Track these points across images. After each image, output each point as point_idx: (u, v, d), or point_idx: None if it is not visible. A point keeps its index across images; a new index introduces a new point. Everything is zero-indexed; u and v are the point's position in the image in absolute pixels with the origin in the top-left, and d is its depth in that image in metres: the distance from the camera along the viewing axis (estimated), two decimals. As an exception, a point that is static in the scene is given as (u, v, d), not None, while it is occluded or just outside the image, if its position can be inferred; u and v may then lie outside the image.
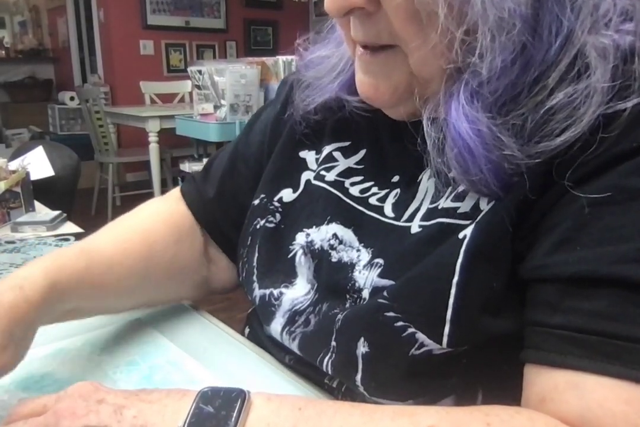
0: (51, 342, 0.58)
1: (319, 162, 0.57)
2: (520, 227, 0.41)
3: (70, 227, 1.08)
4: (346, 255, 0.50)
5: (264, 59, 2.66)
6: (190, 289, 0.67)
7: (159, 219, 0.65)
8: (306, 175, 0.57)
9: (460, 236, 0.42)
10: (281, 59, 2.66)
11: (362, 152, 0.54)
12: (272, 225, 0.57)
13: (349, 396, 0.51)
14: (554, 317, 0.38)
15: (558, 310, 0.37)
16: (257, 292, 0.56)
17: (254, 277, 0.57)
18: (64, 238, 0.98)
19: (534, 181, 0.40)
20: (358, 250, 0.50)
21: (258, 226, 0.58)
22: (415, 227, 0.47)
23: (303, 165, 0.58)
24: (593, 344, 0.35)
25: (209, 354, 0.58)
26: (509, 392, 0.41)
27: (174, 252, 0.63)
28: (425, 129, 0.44)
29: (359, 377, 0.46)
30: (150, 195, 4.18)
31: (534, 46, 0.39)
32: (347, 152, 0.55)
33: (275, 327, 0.54)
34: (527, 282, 0.40)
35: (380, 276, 0.47)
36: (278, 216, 0.57)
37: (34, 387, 0.50)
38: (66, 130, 4.80)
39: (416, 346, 0.42)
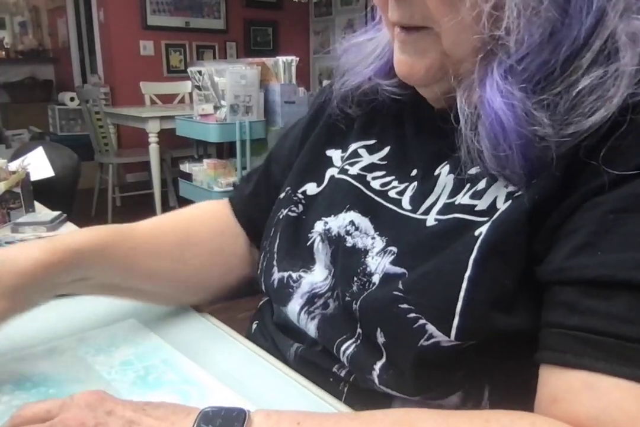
0: (46, 342, 0.58)
1: (343, 159, 0.59)
2: (539, 229, 0.42)
3: (70, 228, 1.08)
4: (361, 241, 0.52)
5: (264, 59, 2.66)
6: (236, 282, 0.69)
7: (204, 213, 0.70)
8: (330, 172, 0.60)
9: (476, 233, 0.43)
10: (281, 59, 2.66)
11: (387, 149, 0.57)
12: (294, 214, 0.59)
13: (355, 386, 0.51)
14: (571, 318, 0.38)
15: (576, 312, 0.38)
16: (276, 275, 0.58)
17: (274, 262, 0.58)
18: (64, 239, 0.97)
19: (557, 177, 0.41)
20: (373, 238, 0.51)
21: (281, 216, 0.60)
22: (431, 220, 0.48)
23: (329, 163, 0.60)
24: (610, 347, 0.36)
25: (209, 354, 0.58)
26: (516, 389, 0.41)
27: (219, 241, 0.67)
28: (459, 104, 0.45)
29: (379, 365, 0.47)
30: (150, 196, 4.17)
31: (563, 24, 0.40)
32: (372, 150, 0.58)
33: (293, 307, 0.55)
34: (546, 285, 0.41)
35: (393, 263, 0.48)
36: (300, 206, 0.60)
37: (28, 387, 0.50)
38: (66, 131, 4.80)
39: (425, 337, 0.43)
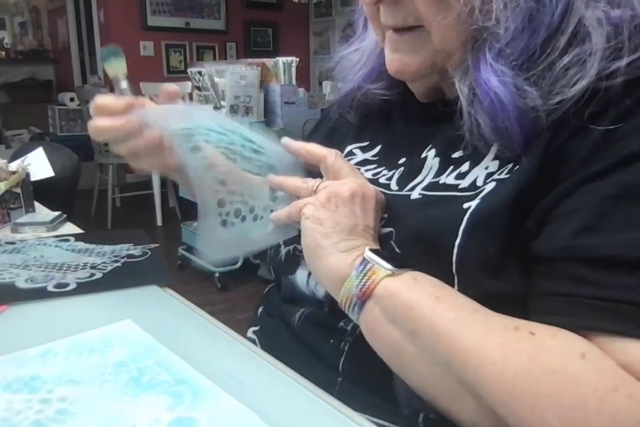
0: (39, 343, 0.58)
1: None
2: (531, 208, 0.47)
3: (70, 228, 1.08)
4: None
5: (264, 60, 2.67)
6: None
7: None
8: None
9: (465, 206, 0.49)
10: (281, 60, 2.67)
11: (378, 148, 0.64)
12: None
13: (358, 340, 0.53)
14: (584, 289, 0.42)
15: (587, 283, 0.42)
16: (283, 251, 0.64)
17: (281, 242, 0.64)
18: (64, 239, 0.98)
19: (550, 151, 0.47)
20: None
21: None
22: (415, 194, 0.55)
23: None
24: (625, 312, 0.40)
25: (208, 355, 0.58)
26: None
27: None
28: (458, 87, 0.51)
29: None
30: (150, 196, 4.17)
31: (538, 12, 0.48)
32: (365, 149, 0.65)
33: (302, 273, 0.62)
34: (547, 260, 0.45)
35: (382, 226, 0.55)
36: None
37: (23, 390, 0.50)
38: (66, 131, 4.80)
39: None
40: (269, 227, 0.58)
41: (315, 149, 0.56)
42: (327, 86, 4.50)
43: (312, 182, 0.54)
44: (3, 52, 5.41)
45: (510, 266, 0.47)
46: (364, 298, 0.47)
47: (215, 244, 0.59)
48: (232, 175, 0.59)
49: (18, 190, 1.14)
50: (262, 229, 0.59)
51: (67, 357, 0.55)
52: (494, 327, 0.43)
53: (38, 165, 1.42)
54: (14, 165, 1.21)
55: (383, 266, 0.47)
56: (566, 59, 0.47)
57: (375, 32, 0.58)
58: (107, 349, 0.57)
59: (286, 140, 0.57)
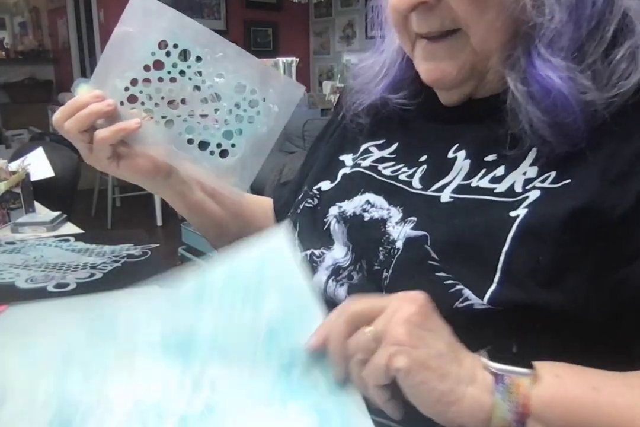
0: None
1: (355, 159, 0.65)
2: (597, 220, 0.45)
3: (70, 228, 1.08)
4: (377, 213, 0.57)
5: (264, 60, 2.67)
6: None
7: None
8: (343, 171, 0.65)
9: (512, 214, 0.48)
10: (281, 60, 2.67)
11: (395, 145, 0.62)
12: (310, 205, 0.64)
13: None
14: None
15: None
16: (300, 255, 0.61)
17: (296, 246, 0.61)
18: (64, 239, 0.98)
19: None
20: (388, 209, 0.56)
21: (299, 211, 0.65)
22: (445, 197, 0.53)
23: (341, 165, 0.66)
24: None
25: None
26: (544, 346, 0.46)
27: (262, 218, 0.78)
28: (512, 84, 0.50)
29: None
30: (150, 197, 4.14)
31: (582, 3, 0.47)
32: (381, 147, 0.64)
33: (320, 278, 0.58)
34: None
35: (413, 229, 0.53)
36: (316, 200, 0.65)
37: (178, 359, 0.47)
38: (66, 131, 4.79)
39: (460, 300, 0.47)
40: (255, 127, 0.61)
41: (329, 327, 0.44)
42: (327, 86, 4.51)
43: (363, 333, 0.43)
44: (3, 52, 5.40)
45: (567, 278, 0.46)
46: (523, 420, 0.41)
47: (226, 174, 0.61)
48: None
49: (18, 190, 1.15)
50: (252, 132, 0.61)
51: (220, 307, 0.49)
52: None
53: (38, 165, 1.42)
54: (14, 165, 1.21)
55: (519, 373, 0.42)
56: (619, 53, 0.47)
57: (401, 41, 0.57)
58: (259, 296, 0.49)
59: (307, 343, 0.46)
